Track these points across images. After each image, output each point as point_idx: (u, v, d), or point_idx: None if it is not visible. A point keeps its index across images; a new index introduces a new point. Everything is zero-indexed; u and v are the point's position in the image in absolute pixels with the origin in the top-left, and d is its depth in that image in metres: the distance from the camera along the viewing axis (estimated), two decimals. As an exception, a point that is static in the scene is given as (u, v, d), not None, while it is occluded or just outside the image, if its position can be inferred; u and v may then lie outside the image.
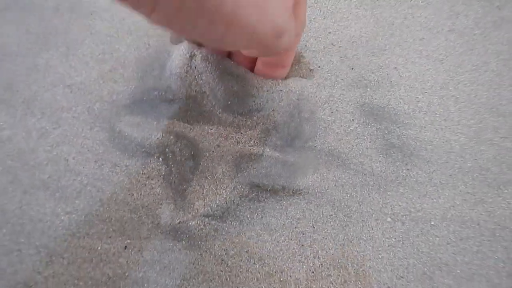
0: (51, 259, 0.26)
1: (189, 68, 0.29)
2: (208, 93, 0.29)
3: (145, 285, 0.25)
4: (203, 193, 0.27)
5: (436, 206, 0.27)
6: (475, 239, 0.26)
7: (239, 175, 0.27)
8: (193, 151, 0.28)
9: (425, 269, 0.25)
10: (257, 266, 0.25)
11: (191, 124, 0.29)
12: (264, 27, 0.20)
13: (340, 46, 0.32)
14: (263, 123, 0.29)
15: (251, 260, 0.26)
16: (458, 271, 0.25)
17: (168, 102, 0.30)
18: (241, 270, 0.25)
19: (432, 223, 0.26)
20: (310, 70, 0.31)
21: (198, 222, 0.26)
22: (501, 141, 0.28)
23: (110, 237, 0.27)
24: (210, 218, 0.26)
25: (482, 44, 0.32)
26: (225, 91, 0.29)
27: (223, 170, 0.28)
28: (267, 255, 0.26)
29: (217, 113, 0.29)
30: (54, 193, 0.28)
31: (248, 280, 0.25)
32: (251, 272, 0.25)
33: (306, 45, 0.31)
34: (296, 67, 0.32)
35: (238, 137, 0.29)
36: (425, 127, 0.29)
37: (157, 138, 0.28)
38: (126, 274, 0.26)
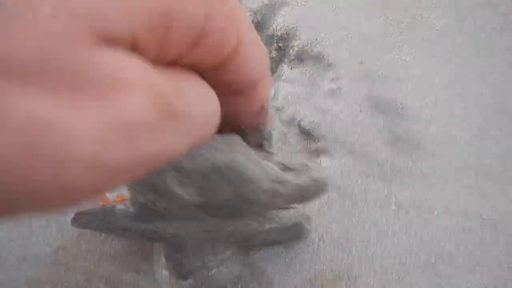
0: (61, 232, 0.26)
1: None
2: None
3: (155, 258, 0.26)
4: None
5: (439, 198, 0.27)
6: (477, 230, 0.26)
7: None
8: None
9: (428, 257, 0.25)
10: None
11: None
12: None
13: (350, 42, 0.33)
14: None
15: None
16: (460, 261, 0.25)
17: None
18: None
19: (436, 213, 0.27)
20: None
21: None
22: (505, 139, 0.29)
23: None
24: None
25: (487, 47, 0.33)
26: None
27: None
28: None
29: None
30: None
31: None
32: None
33: (316, 39, 0.33)
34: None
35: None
36: (431, 122, 0.30)
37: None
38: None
